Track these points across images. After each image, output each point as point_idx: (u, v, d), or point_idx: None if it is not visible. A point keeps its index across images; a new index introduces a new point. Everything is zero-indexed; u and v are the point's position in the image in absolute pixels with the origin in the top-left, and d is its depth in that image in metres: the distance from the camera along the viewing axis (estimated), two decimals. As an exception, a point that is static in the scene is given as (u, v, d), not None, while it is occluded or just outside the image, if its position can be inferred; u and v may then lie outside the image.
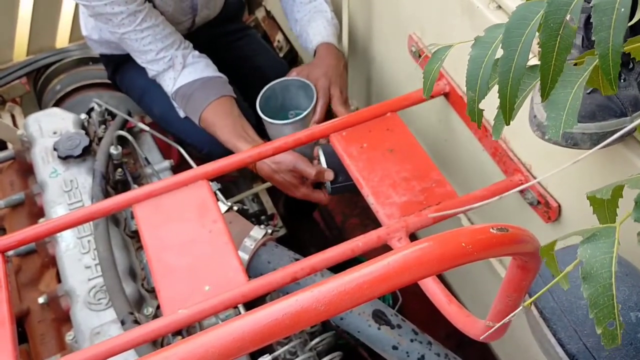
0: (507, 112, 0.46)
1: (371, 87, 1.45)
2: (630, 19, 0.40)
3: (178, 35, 1.26)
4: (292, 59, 1.95)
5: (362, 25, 1.35)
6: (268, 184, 1.68)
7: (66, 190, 1.19)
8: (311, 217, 1.97)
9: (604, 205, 0.46)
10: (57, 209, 1.17)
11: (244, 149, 1.16)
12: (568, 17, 0.40)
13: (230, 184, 1.73)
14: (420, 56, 1.12)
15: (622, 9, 0.38)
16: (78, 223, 0.92)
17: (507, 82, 0.44)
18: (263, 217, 1.68)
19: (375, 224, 0.95)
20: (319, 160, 1.15)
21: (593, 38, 0.39)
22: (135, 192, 0.94)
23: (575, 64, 0.44)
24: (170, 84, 1.26)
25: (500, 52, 0.45)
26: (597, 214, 0.47)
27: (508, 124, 0.48)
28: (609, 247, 0.40)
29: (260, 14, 2.02)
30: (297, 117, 1.17)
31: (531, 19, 0.43)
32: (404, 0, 1.13)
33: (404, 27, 1.15)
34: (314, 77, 1.23)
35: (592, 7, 0.38)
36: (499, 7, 0.89)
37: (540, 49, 0.42)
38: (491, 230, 0.45)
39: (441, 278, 1.06)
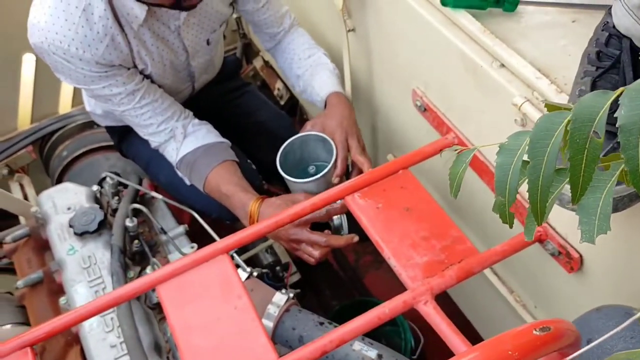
0: (538, 215, 0.47)
1: (377, 136, 1.46)
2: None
3: (177, 106, 1.28)
4: (293, 106, 1.97)
5: (365, 78, 1.37)
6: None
7: (85, 267, 1.20)
8: (325, 262, 1.97)
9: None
10: (78, 287, 1.17)
11: (251, 202, 1.17)
12: (592, 132, 0.42)
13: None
14: (425, 110, 1.13)
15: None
16: (104, 309, 0.92)
17: (537, 189, 0.46)
18: (278, 268, 1.68)
19: None
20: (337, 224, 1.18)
21: (621, 155, 0.40)
22: (158, 272, 0.95)
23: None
24: (174, 154, 1.27)
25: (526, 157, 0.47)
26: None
27: (540, 224, 0.49)
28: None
29: (258, 63, 2.05)
30: (319, 175, 1.17)
31: (554, 130, 0.44)
32: (406, 57, 1.15)
33: (407, 81, 1.17)
34: (330, 130, 1.22)
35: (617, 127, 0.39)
36: (502, 65, 0.91)
37: (569, 162, 0.43)
38: (534, 332, 0.46)
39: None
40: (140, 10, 1.10)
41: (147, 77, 1.23)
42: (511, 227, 0.55)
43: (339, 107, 1.26)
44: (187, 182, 1.32)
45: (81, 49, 1.07)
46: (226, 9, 1.27)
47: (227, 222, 1.42)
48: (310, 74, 1.34)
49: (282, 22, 1.37)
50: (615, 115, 0.41)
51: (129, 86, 1.16)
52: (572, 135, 0.43)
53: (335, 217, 1.21)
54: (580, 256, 0.88)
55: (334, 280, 1.99)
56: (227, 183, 1.23)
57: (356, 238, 1.14)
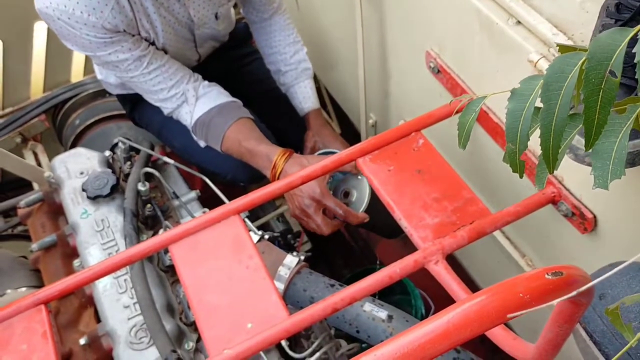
0: (550, 162, 0.46)
1: (389, 101, 1.45)
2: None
3: (186, 70, 1.28)
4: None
5: (377, 42, 1.35)
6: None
7: (98, 230, 1.21)
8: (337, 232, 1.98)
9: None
10: (91, 250, 1.18)
11: (277, 152, 1.20)
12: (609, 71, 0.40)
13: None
14: (439, 72, 1.12)
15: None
16: (117, 268, 0.93)
17: (550, 135, 0.45)
18: (289, 236, 1.69)
19: None
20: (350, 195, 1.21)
21: (638, 93, 0.39)
22: (170, 232, 0.95)
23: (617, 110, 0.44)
24: (188, 118, 1.28)
25: (538, 102, 0.46)
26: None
27: (552, 172, 0.48)
28: None
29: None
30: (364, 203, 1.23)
31: (569, 71, 0.43)
32: (420, 17, 1.13)
33: (420, 43, 1.15)
34: (335, 147, 1.37)
35: (635, 63, 0.38)
36: (519, 22, 0.89)
37: (583, 103, 0.42)
38: (546, 276, 0.45)
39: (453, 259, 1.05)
40: None
41: (152, 44, 1.22)
42: (521, 176, 0.54)
43: (327, 126, 1.45)
44: (202, 145, 1.32)
45: (86, 12, 1.06)
46: None
47: (241, 184, 1.44)
48: (294, 77, 1.45)
49: (273, 1, 1.39)
50: (634, 51, 0.40)
51: (135, 52, 1.16)
52: (588, 74, 0.42)
53: (354, 193, 1.24)
54: (594, 216, 0.87)
55: (345, 249, 2.00)
56: (247, 138, 1.24)
57: (367, 218, 1.20)
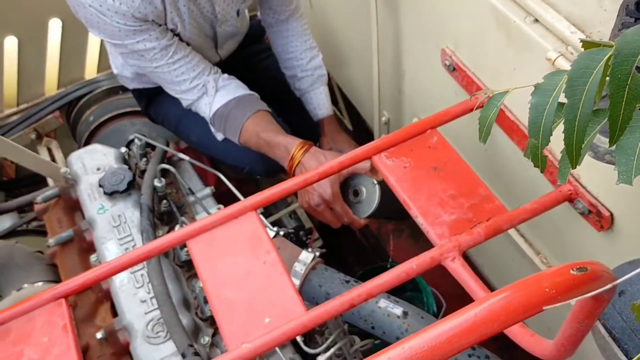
0: (573, 157, 0.47)
1: (402, 98, 1.45)
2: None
3: (207, 62, 1.30)
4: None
5: (392, 40, 1.35)
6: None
7: (115, 225, 1.22)
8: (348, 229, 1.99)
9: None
10: (108, 245, 1.20)
11: (295, 143, 1.22)
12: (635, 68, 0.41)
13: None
14: (454, 69, 1.12)
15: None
16: (135, 263, 0.94)
17: (573, 130, 0.45)
18: (302, 233, 1.70)
19: (410, 228, 0.97)
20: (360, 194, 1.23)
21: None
22: (188, 228, 0.96)
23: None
24: (207, 109, 1.29)
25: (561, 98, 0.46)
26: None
27: (575, 167, 0.48)
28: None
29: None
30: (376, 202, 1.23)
31: (594, 67, 0.43)
32: (435, 15, 1.14)
33: (436, 41, 1.16)
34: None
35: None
36: (536, 20, 0.89)
37: (608, 99, 0.42)
38: (571, 271, 0.46)
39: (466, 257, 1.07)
40: None
41: (176, 36, 1.24)
42: (543, 170, 0.55)
43: (341, 132, 1.47)
44: (220, 138, 1.34)
45: (118, 1, 1.08)
46: None
47: (257, 177, 1.46)
48: (309, 83, 1.47)
49: (290, 2, 1.40)
50: (662, 48, 0.40)
51: (162, 41, 1.17)
52: (614, 70, 0.42)
53: (364, 194, 1.25)
54: (611, 214, 0.87)
55: (356, 247, 2.00)
56: (266, 130, 1.26)
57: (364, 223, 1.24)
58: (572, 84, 0.45)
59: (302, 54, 1.45)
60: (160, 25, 1.18)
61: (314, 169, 1.03)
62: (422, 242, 0.95)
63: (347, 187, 1.26)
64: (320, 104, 1.48)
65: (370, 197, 1.24)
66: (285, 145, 1.23)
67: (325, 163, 1.03)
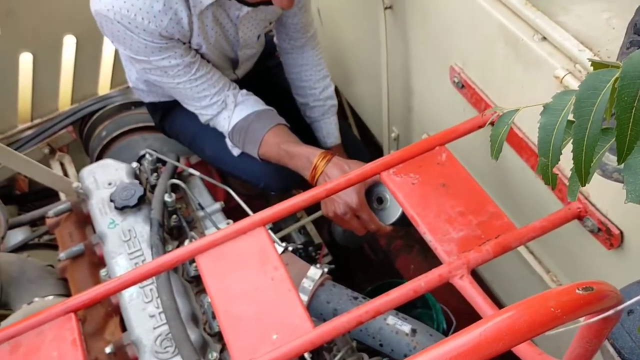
0: (582, 175, 0.47)
1: (412, 114, 1.46)
2: None
3: (226, 79, 1.33)
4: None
5: (401, 57, 1.36)
6: (313, 216, 1.70)
7: (125, 240, 1.23)
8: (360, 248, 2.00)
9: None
10: (118, 259, 1.20)
11: (317, 153, 1.23)
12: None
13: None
14: (463, 86, 1.12)
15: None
16: (145, 278, 0.95)
17: (582, 149, 0.45)
18: (311, 248, 1.70)
19: (420, 244, 0.97)
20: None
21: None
22: (197, 243, 0.97)
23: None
24: (225, 123, 1.31)
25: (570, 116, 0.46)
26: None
27: (584, 185, 0.48)
28: None
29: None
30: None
31: (601, 88, 0.43)
32: (444, 33, 1.14)
33: (444, 58, 1.16)
34: None
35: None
36: (544, 38, 0.90)
37: (615, 120, 0.43)
38: (577, 291, 0.45)
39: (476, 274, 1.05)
40: None
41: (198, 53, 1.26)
42: (554, 188, 0.55)
43: (351, 160, 1.42)
44: (236, 153, 1.36)
45: (147, 19, 1.10)
46: (279, 8, 1.30)
47: (272, 192, 1.46)
48: (320, 113, 1.49)
49: (308, 30, 1.42)
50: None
51: (186, 58, 1.20)
52: (620, 92, 0.43)
53: (388, 201, 1.26)
54: (621, 232, 0.87)
55: (365, 262, 2.00)
56: (286, 141, 1.28)
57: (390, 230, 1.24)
58: (580, 104, 0.46)
59: (315, 84, 1.47)
60: (184, 43, 1.20)
61: (328, 182, 1.03)
62: (431, 259, 0.95)
63: (371, 194, 1.26)
64: (329, 133, 1.50)
65: (394, 205, 1.24)
66: (307, 156, 1.24)
67: (336, 179, 1.03)
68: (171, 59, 1.18)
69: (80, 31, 1.79)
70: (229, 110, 1.29)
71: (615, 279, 0.95)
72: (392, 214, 1.25)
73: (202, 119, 1.33)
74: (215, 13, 1.20)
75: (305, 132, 1.52)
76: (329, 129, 1.50)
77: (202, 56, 1.28)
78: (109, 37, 1.17)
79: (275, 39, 1.50)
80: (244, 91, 1.33)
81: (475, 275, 0.89)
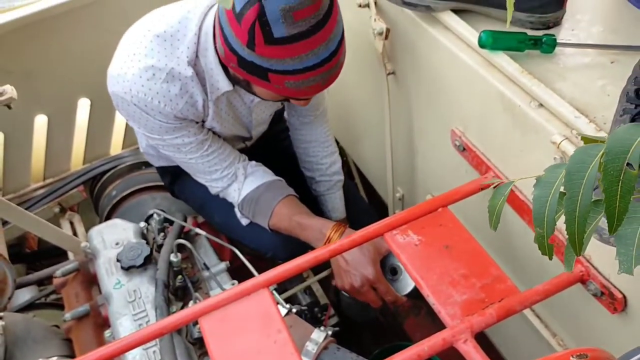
0: (576, 246, 0.48)
1: (416, 175, 1.48)
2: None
3: (236, 152, 1.35)
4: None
5: (404, 120, 1.39)
6: (319, 276, 1.69)
7: (130, 300, 1.23)
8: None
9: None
10: (122, 321, 1.20)
11: (330, 225, 1.23)
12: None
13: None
14: (464, 149, 1.15)
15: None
16: (148, 340, 0.95)
17: (574, 221, 0.47)
18: (316, 309, 1.69)
19: (428, 305, 0.96)
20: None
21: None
22: (201, 305, 0.97)
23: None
24: (236, 195, 1.32)
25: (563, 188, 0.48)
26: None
27: (578, 255, 0.49)
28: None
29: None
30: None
31: (590, 162, 0.45)
32: (445, 97, 1.18)
33: (446, 122, 1.19)
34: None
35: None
36: (541, 105, 0.92)
37: (603, 193, 0.44)
38: (571, 358, 0.46)
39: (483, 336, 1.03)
40: (225, 84, 1.16)
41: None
42: (550, 258, 0.56)
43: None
44: (245, 223, 1.36)
45: (163, 102, 1.13)
46: None
47: (279, 260, 1.45)
48: (326, 188, 1.51)
49: (318, 107, 1.44)
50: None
51: (199, 136, 1.23)
52: (606, 167, 0.44)
53: (402, 269, 1.27)
54: (624, 296, 0.87)
55: (373, 324, 1.97)
56: (297, 213, 1.29)
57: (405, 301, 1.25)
58: (570, 177, 0.47)
59: (322, 159, 1.49)
60: (197, 123, 1.23)
61: (335, 242, 1.04)
62: (439, 321, 0.95)
63: (384, 265, 1.27)
64: (334, 207, 1.51)
65: (408, 275, 1.24)
66: (319, 228, 1.24)
67: (338, 241, 1.04)
68: (184, 138, 1.21)
69: (95, 94, 1.83)
70: (239, 183, 1.31)
71: (620, 344, 0.94)
72: (407, 284, 1.25)
73: (212, 191, 1.34)
74: (229, 98, 1.24)
75: (314, 199, 1.53)
76: (334, 204, 1.51)
77: (215, 132, 1.31)
78: (124, 115, 1.19)
79: (285, 114, 1.53)
80: (253, 162, 1.35)
81: (482, 336, 0.88)
